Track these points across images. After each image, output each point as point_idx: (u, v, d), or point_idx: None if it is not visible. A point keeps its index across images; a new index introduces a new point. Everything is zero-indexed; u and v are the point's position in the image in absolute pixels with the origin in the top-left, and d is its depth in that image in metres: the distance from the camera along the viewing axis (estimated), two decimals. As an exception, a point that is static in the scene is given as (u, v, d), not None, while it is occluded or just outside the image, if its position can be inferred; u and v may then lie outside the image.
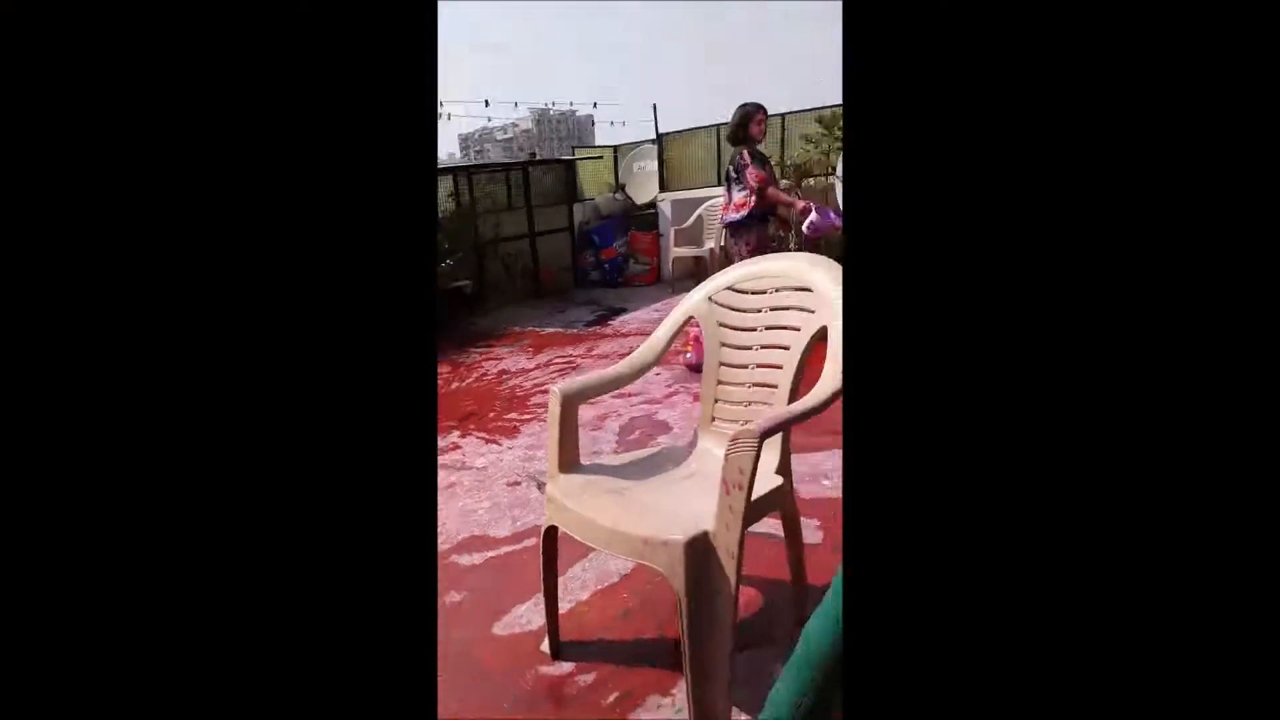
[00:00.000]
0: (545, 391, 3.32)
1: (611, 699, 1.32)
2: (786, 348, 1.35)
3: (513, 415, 3.12)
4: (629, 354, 1.54)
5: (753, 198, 3.23)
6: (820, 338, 1.27)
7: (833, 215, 3.15)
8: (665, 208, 6.20)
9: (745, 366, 1.44)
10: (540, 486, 2.29)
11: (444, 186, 5.58)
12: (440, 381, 3.75)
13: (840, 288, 1.26)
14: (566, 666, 1.42)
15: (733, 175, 3.33)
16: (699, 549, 1.08)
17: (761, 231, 3.32)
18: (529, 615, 1.60)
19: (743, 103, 3.37)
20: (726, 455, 1.06)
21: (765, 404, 1.37)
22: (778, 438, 1.30)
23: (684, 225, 5.76)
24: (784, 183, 3.55)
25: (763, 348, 1.41)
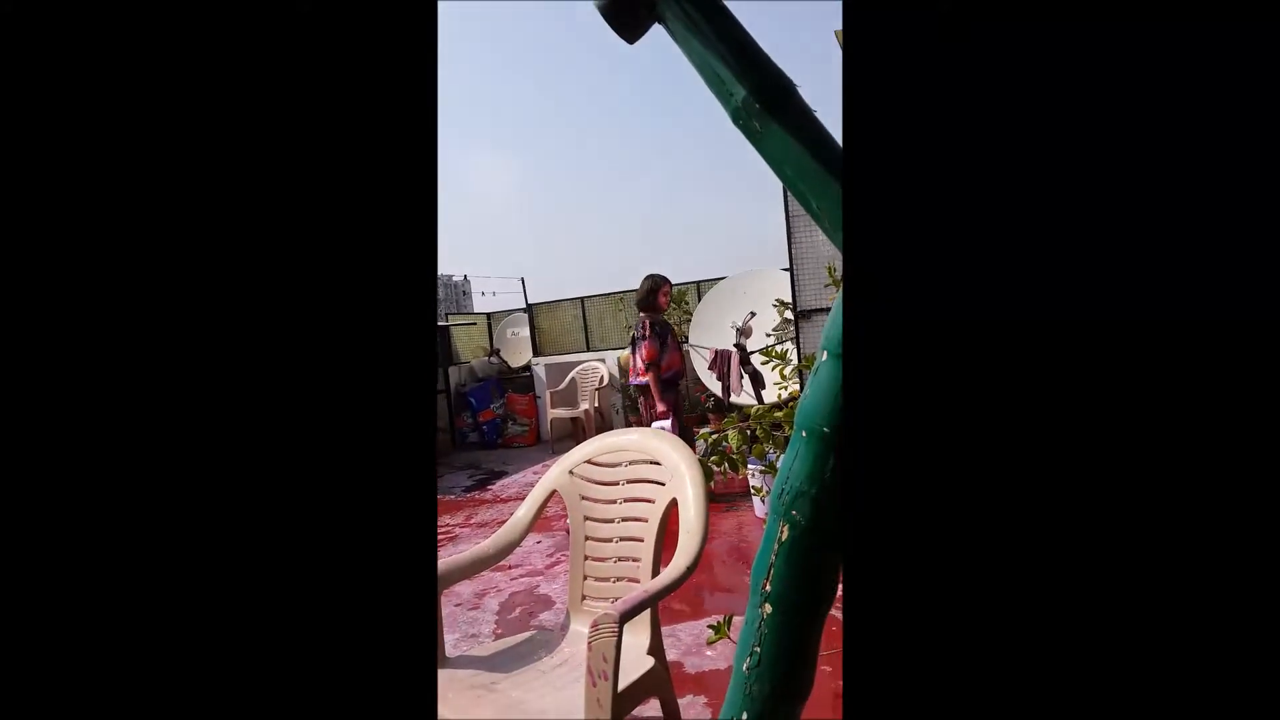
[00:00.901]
0: (418, 573, 3.12)
1: None
2: (645, 520, 1.39)
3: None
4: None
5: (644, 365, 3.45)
6: (673, 509, 1.33)
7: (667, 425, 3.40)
8: (540, 371, 6.35)
9: (610, 539, 1.45)
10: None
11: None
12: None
13: (685, 461, 1.34)
14: None
15: (634, 341, 3.56)
16: (569, 749, 1.03)
17: (665, 394, 3.49)
18: None
19: (650, 273, 3.65)
20: (589, 643, 1.05)
21: (632, 578, 1.38)
22: (645, 617, 1.29)
23: (559, 388, 5.92)
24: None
25: (623, 520, 1.44)
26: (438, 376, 6.31)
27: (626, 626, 1.08)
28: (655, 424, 3.36)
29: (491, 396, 6.40)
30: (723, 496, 3.76)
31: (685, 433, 3.74)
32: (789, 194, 3.23)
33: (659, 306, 3.61)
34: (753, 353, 3.82)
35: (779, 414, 1.46)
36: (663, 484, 1.36)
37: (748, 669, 0.76)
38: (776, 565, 0.69)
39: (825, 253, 3.28)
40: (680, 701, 1.42)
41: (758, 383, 3.54)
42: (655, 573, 1.33)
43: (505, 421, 6.36)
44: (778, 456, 2.33)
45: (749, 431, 1.45)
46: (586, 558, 1.48)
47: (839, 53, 0.56)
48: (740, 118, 0.67)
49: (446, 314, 8.31)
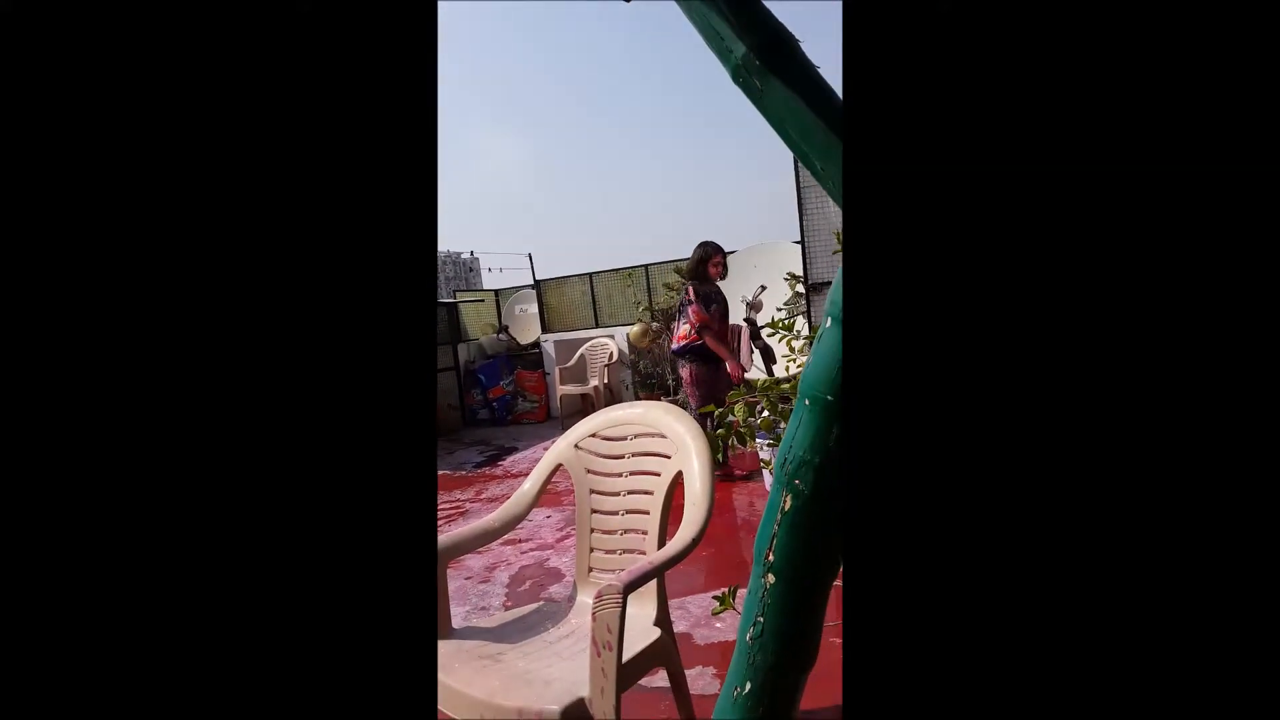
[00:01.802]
0: (429, 547, 3.15)
1: None
2: (650, 493, 1.38)
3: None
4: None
5: (692, 331, 3.36)
6: (679, 482, 1.32)
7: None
8: (549, 347, 6.35)
9: (615, 513, 1.45)
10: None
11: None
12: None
13: (691, 434, 1.33)
14: None
15: (681, 307, 3.47)
16: (576, 718, 1.03)
17: (696, 365, 3.41)
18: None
19: (702, 241, 3.51)
20: (593, 613, 1.05)
21: (638, 550, 1.38)
22: (651, 588, 1.30)
23: (568, 364, 5.90)
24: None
25: (629, 493, 1.43)
26: (449, 354, 6.34)
27: (632, 598, 1.08)
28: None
29: (501, 373, 6.42)
30: (731, 477, 3.76)
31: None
32: (799, 164, 3.17)
33: (708, 276, 3.46)
34: (763, 327, 3.79)
35: (785, 386, 1.44)
36: (668, 457, 1.35)
37: (751, 639, 0.76)
38: (780, 535, 0.68)
39: (837, 224, 3.24)
40: (689, 673, 1.43)
41: (768, 358, 3.50)
42: (661, 545, 1.33)
43: (515, 398, 6.39)
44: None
45: (756, 405, 1.44)
46: (593, 530, 1.48)
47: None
48: (740, 75, 0.64)
49: (455, 291, 8.32)
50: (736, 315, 3.76)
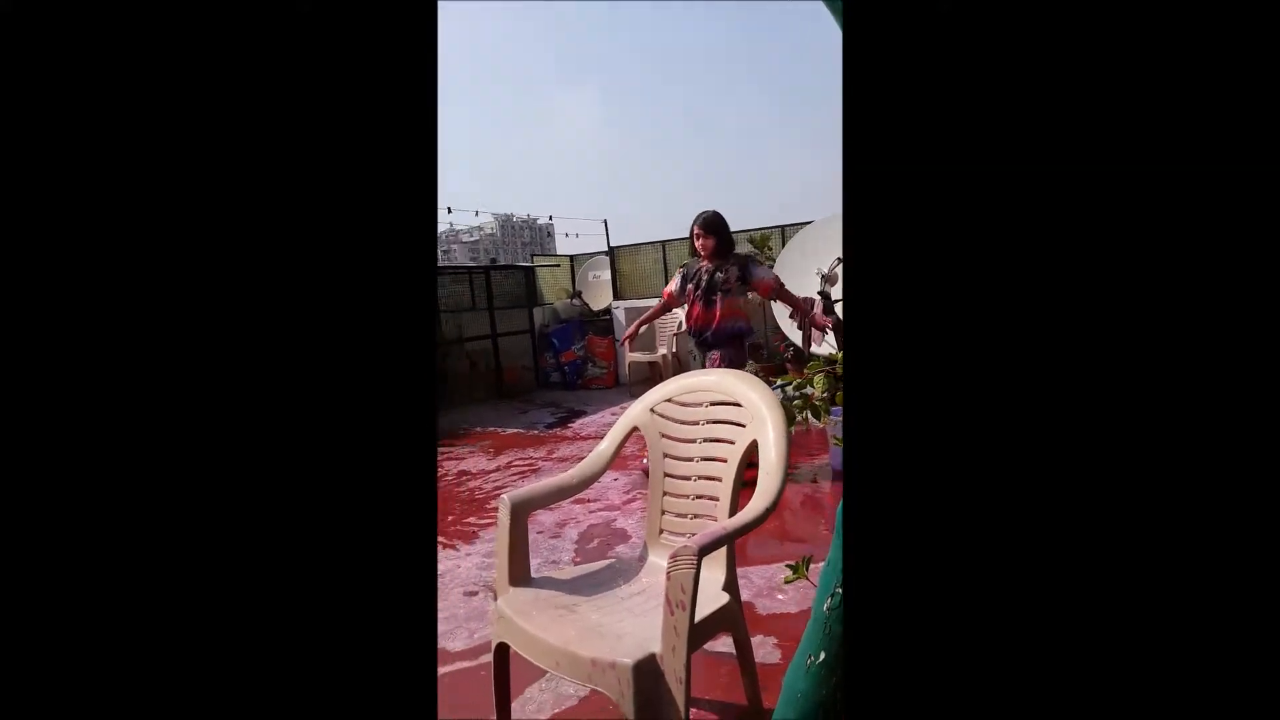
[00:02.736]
0: (502, 501, 3.28)
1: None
2: (724, 460, 1.40)
3: (471, 519, 3.05)
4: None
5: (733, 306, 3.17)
6: (754, 450, 1.33)
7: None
8: (619, 314, 6.40)
9: (688, 478, 1.48)
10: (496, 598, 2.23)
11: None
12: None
13: (767, 403, 1.33)
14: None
15: (730, 282, 3.16)
16: (647, 672, 1.06)
17: (728, 350, 3.18)
18: (479, 747, 1.53)
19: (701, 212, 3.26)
20: (668, 573, 1.08)
21: (709, 516, 1.40)
22: (721, 554, 1.32)
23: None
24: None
25: (702, 459, 1.45)
26: (524, 317, 6.49)
27: (705, 561, 1.11)
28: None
29: (573, 338, 6.52)
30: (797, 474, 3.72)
31: None
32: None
33: (696, 252, 3.22)
34: (837, 301, 3.69)
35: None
36: (743, 425, 1.36)
37: (829, 609, 0.77)
38: None
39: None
40: (751, 640, 1.45)
41: (839, 332, 3.42)
42: (733, 513, 1.35)
43: (585, 363, 6.49)
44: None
45: (835, 377, 1.42)
46: (665, 494, 1.51)
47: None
48: None
49: (532, 255, 8.43)
50: (810, 288, 3.68)
